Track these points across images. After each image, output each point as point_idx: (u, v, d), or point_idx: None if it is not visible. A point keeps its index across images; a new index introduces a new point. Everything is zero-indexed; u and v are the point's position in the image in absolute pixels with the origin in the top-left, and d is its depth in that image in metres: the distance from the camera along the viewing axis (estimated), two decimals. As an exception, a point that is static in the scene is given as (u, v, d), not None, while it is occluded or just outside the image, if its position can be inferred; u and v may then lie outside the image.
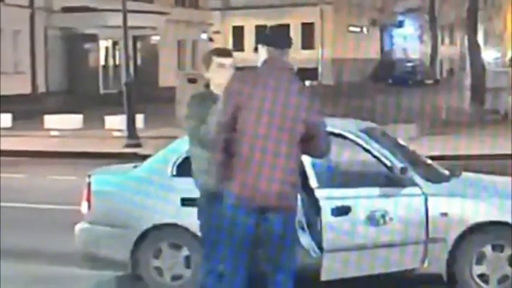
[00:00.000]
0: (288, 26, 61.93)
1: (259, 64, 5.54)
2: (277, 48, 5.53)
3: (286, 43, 5.63)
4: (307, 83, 56.69)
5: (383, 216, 7.05)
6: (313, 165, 7.20)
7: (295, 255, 5.59)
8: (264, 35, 5.68)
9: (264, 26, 61.33)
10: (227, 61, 6.18)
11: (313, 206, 7.11)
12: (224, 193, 5.45)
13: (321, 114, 5.54)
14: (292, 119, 5.37)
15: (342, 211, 7.04)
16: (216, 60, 6.16)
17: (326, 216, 7.01)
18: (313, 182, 7.14)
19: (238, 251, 5.43)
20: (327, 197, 7.07)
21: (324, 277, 7.04)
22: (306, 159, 7.10)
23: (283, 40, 5.64)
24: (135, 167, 8.04)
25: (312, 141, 5.46)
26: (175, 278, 7.50)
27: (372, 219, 7.05)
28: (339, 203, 7.05)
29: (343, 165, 7.81)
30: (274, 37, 5.65)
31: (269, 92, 5.38)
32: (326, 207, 7.02)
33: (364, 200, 7.12)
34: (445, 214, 7.10)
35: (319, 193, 7.09)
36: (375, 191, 7.16)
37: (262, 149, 5.34)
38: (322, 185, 7.17)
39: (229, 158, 5.40)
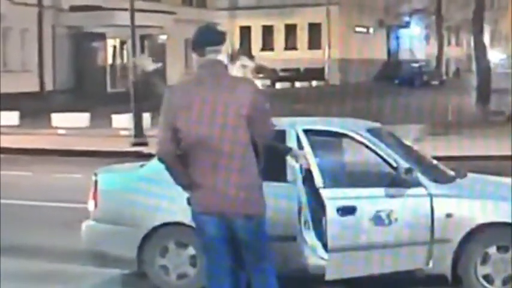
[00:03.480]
0: (295, 26, 62.11)
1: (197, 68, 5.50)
2: (198, 49, 5.47)
3: (214, 40, 5.49)
4: (314, 82, 56.78)
5: (388, 216, 7.08)
6: (319, 165, 7.23)
7: (269, 251, 5.57)
8: (193, 37, 5.60)
9: (271, 26, 61.48)
10: (250, 64, 6.28)
11: (319, 206, 7.14)
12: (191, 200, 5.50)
13: (262, 114, 5.41)
14: (224, 125, 5.28)
15: (347, 211, 7.06)
16: (242, 60, 6.26)
17: (331, 216, 7.04)
18: (318, 182, 7.17)
19: (211, 254, 5.47)
20: (332, 197, 7.09)
21: (328, 276, 7.06)
22: (312, 160, 7.14)
23: (210, 37, 5.52)
24: (141, 165, 8.08)
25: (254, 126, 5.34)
26: (181, 276, 7.53)
27: (377, 220, 7.08)
28: (344, 203, 7.08)
29: (348, 165, 7.83)
30: (197, 40, 5.56)
31: (205, 100, 5.30)
32: (331, 207, 7.05)
33: (370, 200, 7.14)
34: (450, 215, 7.11)
35: (324, 193, 7.12)
36: (380, 191, 7.18)
37: (205, 157, 5.31)
38: (328, 184, 7.19)
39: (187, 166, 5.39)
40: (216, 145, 5.29)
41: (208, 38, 5.53)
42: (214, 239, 5.42)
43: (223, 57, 5.46)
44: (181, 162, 5.41)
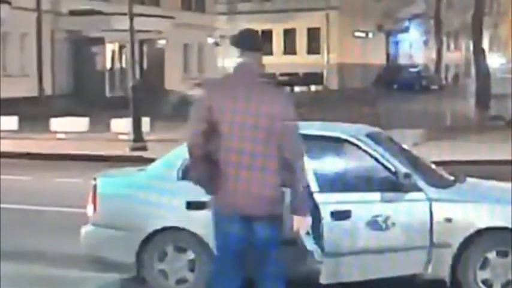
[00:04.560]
0: (294, 30, 62.15)
1: (232, 68, 5.59)
2: (246, 50, 5.54)
3: (256, 46, 5.61)
4: (313, 87, 56.83)
5: (385, 221, 7.08)
6: (316, 170, 7.23)
7: (281, 262, 5.60)
8: (234, 38, 5.67)
9: (270, 31, 61.51)
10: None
11: (315, 210, 7.13)
12: (211, 200, 5.51)
13: (292, 119, 5.52)
14: (257, 127, 5.38)
15: (341, 215, 7.07)
16: None
17: (325, 220, 7.04)
18: (313, 186, 7.16)
19: (225, 257, 5.47)
20: (327, 202, 7.08)
21: (323, 280, 7.05)
22: (308, 163, 7.14)
23: (253, 43, 5.61)
24: (140, 170, 8.08)
25: (283, 144, 5.45)
26: (180, 281, 7.52)
27: (374, 224, 7.08)
28: (339, 207, 7.08)
29: (347, 170, 7.82)
30: (245, 40, 5.63)
31: (238, 102, 5.39)
32: (326, 211, 7.05)
33: (366, 205, 7.15)
34: (449, 219, 7.12)
35: (319, 197, 7.11)
36: (378, 195, 7.18)
37: (237, 159, 5.37)
38: (323, 189, 7.19)
39: (211, 166, 5.42)
40: (245, 145, 5.37)
41: (247, 42, 5.61)
42: (227, 241, 5.42)
43: (257, 63, 5.57)
44: (208, 162, 5.43)
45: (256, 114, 5.39)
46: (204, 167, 5.46)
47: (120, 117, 24.36)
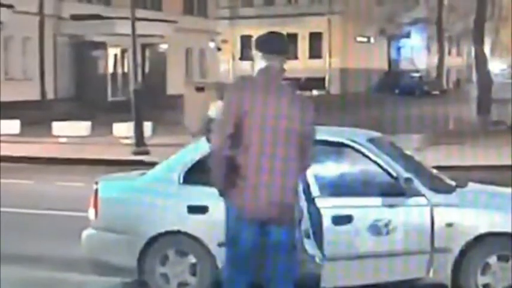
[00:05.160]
0: (296, 35, 62.18)
1: (255, 72, 5.49)
2: (273, 54, 5.46)
3: (283, 49, 5.53)
4: (315, 92, 56.85)
5: (386, 225, 7.09)
6: (317, 175, 7.24)
7: (294, 266, 5.60)
8: (260, 40, 5.55)
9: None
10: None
11: (316, 215, 7.15)
12: (226, 204, 5.47)
13: (313, 126, 5.55)
14: (289, 131, 5.36)
15: (343, 220, 7.08)
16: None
17: (326, 225, 7.05)
18: (314, 191, 7.17)
19: (241, 262, 5.45)
20: (328, 206, 7.09)
21: (324, 284, 7.06)
22: (310, 168, 7.15)
23: (281, 46, 5.53)
24: (142, 174, 8.09)
25: (304, 147, 5.46)
26: (181, 285, 7.53)
27: (375, 229, 7.09)
28: (340, 212, 7.09)
29: (348, 174, 7.83)
30: (272, 43, 5.52)
31: (269, 105, 5.33)
32: (327, 216, 7.06)
33: (368, 210, 7.16)
34: (450, 224, 7.13)
35: (320, 202, 7.12)
36: (379, 200, 7.19)
37: (260, 162, 5.31)
38: (324, 193, 7.20)
39: (230, 169, 5.35)
40: (278, 150, 5.32)
41: (281, 45, 5.54)
42: (245, 246, 5.39)
43: (282, 66, 5.50)
44: (228, 166, 5.35)
45: (287, 117, 5.35)
46: (224, 170, 5.38)
47: (122, 121, 24.39)
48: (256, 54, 5.52)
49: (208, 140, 5.91)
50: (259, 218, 5.33)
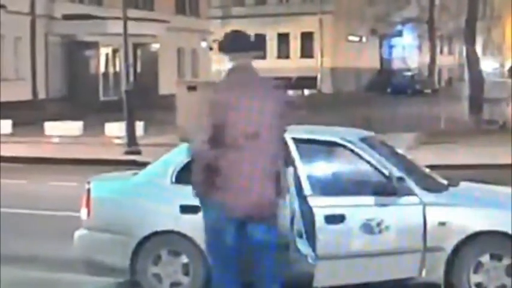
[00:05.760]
0: (287, 34, 62.21)
1: (225, 73, 5.51)
2: (238, 52, 5.47)
3: (247, 46, 5.54)
4: (307, 91, 56.87)
5: (378, 224, 7.10)
6: (309, 174, 7.24)
7: (280, 263, 5.60)
8: (222, 42, 5.57)
9: (264, 35, 61.56)
10: None
11: (308, 214, 7.15)
12: (206, 203, 5.48)
13: (287, 118, 5.59)
14: (268, 126, 5.39)
15: (335, 219, 7.08)
16: None
17: (319, 224, 7.05)
18: (307, 190, 7.17)
19: (224, 261, 5.45)
20: (320, 205, 7.10)
21: (316, 283, 7.06)
22: (302, 167, 7.16)
23: (243, 43, 5.55)
24: (134, 174, 8.09)
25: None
26: (174, 285, 7.53)
27: (367, 228, 7.10)
28: (332, 211, 7.10)
29: (340, 173, 7.84)
30: (234, 41, 5.55)
31: (242, 104, 5.36)
32: (320, 215, 7.06)
33: (360, 209, 7.16)
34: (443, 223, 7.13)
35: (312, 201, 7.13)
36: (371, 199, 7.20)
37: (240, 161, 5.35)
38: (316, 193, 7.20)
39: (210, 170, 5.38)
40: (256, 145, 5.36)
41: (237, 44, 5.55)
42: (232, 246, 5.40)
43: (250, 63, 5.54)
44: (208, 167, 5.39)
45: (262, 113, 5.38)
46: (204, 174, 5.41)
47: (114, 121, 24.37)
48: (223, 57, 5.56)
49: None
50: (240, 216, 5.35)
